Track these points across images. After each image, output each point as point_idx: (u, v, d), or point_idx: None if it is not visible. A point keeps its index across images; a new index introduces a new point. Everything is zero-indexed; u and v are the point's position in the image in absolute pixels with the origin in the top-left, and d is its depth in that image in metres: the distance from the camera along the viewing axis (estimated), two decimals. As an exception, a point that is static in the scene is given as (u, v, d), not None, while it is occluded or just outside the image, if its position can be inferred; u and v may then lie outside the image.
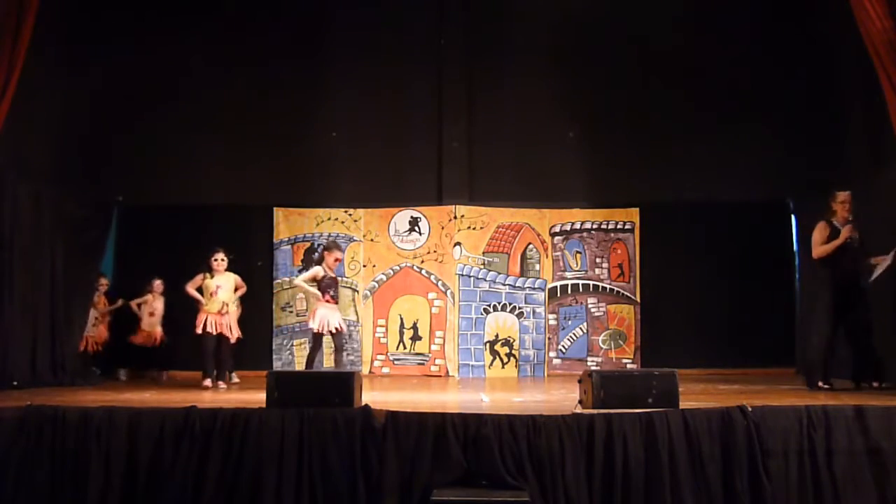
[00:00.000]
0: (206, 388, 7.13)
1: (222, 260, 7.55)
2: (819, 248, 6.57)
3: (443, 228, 9.37)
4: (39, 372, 7.26)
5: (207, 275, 7.49)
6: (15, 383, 6.77)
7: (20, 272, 7.12)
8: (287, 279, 9.37)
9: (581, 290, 9.48)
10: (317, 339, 7.29)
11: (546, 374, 9.29)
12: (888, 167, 7.19)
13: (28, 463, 4.65)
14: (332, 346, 7.36)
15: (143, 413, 4.79)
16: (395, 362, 9.30)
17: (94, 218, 8.60)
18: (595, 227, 9.56)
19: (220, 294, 7.47)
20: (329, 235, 9.46)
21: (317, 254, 7.89)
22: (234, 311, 7.62)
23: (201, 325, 7.35)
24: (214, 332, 7.36)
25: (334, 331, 7.18)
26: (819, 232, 6.61)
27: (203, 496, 4.54)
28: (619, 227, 9.54)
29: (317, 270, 7.31)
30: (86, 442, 4.66)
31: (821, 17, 8.51)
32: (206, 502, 4.53)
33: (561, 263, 9.53)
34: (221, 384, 7.30)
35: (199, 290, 7.52)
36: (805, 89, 8.91)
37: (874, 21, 6.23)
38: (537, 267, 9.51)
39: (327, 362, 9.22)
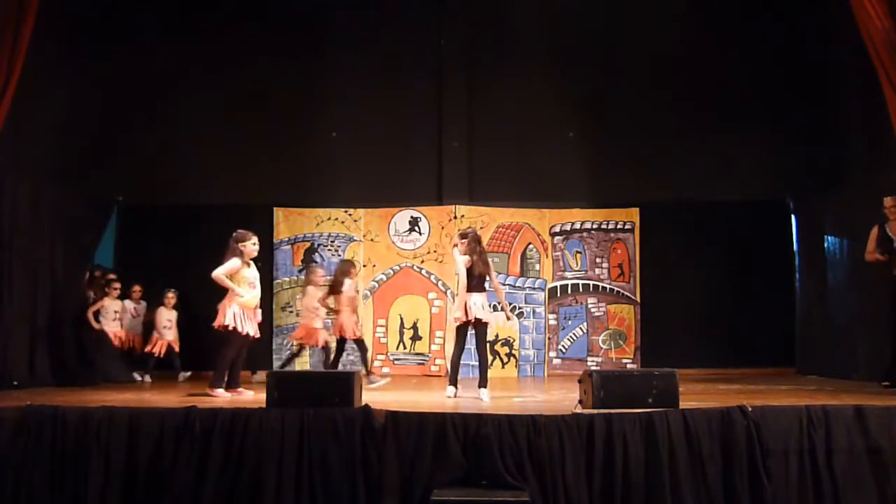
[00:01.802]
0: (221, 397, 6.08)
1: (254, 245, 6.44)
2: (866, 255, 6.80)
3: (443, 228, 9.36)
4: (39, 372, 7.25)
5: (245, 264, 6.33)
6: (15, 383, 6.77)
7: (20, 272, 7.12)
8: (287, 279, 9.39)
9: (581, 290, 9.48)
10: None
11: (546, 374, 9.29)
12: (888, 167, 7.19)
13: (28, 463, 4.64)
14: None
15: (143, 413, 4.79)
16: (396, 362, 9.29)
17: (93, 218, 8.60)
18: (595, 227, 9.55)
19: (258, 287, 6.46)
20: (329, 235, 9.47)
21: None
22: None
23: (232, 319, 6.21)
24: (243, 331, 6.27)
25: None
26: (870, 237, 6.77)
27: (203, 496, 4.53)
28: (619, 227, 9.54)
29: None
30: (86, 442, 4.65)
31: (821, 17, 8.52)
32: (206, 502, 4.53)
33: (561, 263, 9.52)
34: (241, 390, 6.31)
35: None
36: (805, 89, 8.92)
37: (874, 21, 6.23)
38: (537, 267, 9.50)
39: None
